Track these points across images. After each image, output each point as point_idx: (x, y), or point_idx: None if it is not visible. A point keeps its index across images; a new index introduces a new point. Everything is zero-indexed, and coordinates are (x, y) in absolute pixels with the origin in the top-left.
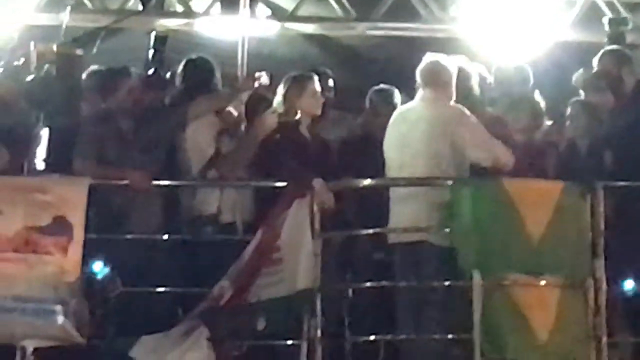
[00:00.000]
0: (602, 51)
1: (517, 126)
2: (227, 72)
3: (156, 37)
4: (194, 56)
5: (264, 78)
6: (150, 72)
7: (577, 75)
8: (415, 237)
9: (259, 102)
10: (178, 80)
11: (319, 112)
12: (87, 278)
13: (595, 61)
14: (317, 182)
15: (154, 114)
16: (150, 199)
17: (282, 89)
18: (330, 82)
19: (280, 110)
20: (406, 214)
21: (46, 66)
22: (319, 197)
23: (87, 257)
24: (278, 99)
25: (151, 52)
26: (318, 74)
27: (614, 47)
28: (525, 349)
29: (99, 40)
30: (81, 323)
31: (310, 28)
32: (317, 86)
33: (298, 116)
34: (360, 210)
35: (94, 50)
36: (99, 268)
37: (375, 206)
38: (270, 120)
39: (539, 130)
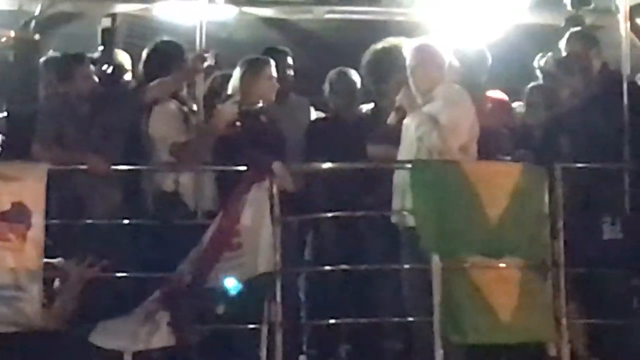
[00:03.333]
0: (569, 33)
1: None
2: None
3: (103, 31)
4: (158, 40)
5: (209, 58)
6: (104, 68)
7: (546, 58)
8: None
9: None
10: (141, 65)
11: (272, 97)
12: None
13: (562, 44)
14: (277, 166)
15: (111, 99)
16: (109, 183)
17: (238, 73)
18: (290, 61)
19: (236, 94)
20: None
21: (3, 51)
22: (279, 180)
23: (46, 243)
24: (234, 83)
25: (100, 47)
26: (277, 53)
27: (580, 29)
28: (488, 330)
29: (57, 25)
30: (43, 309)
31: (268, 12)
32: (273, 71)
33: (259, 105)
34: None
35: (52, 35)
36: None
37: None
38: (229, 111)
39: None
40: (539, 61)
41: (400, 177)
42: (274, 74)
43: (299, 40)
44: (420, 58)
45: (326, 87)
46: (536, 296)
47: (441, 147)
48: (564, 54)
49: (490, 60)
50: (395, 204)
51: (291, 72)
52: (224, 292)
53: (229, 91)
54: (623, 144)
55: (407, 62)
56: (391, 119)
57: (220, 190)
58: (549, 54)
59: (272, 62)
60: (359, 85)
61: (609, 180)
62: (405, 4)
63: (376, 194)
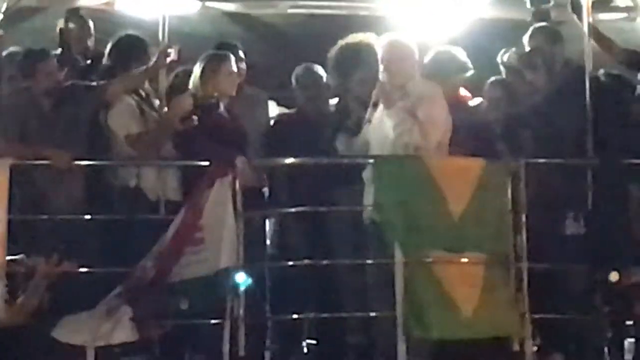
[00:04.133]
0: (533, 28)
1: None
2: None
3: (61, 31)
4: (121, 33)
5: (172, 54)
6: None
7: (510, 53)
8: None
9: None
10: (104, 59)
11: (233, 92)
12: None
13: (526, 38)
14: (240, 161)
15: (74, 94)
16: (72, 178)
17: (198, 68)
18: (241, 54)
19: (197, 89)
20: None
21: None
22: (242, 175)
23: (10, 238)
24: (194, 78)
25: (59, 50)
26: (228, 47)
27: (544, 24)
28: (450, 325)
29: (21, 20)
30: (6, 305)
31: (231, 6)
32: (233, 66)
33: (215, 97)
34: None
35: (15, 29)
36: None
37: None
38: (185, 103)
39: None
40: (502, 56)
41: (370, 173)
42: (234, 68)
43: (262, 34)
44: (393, 53)
45: (293, 82)
46: (499, 291)
47: (421, 143)
48: (527, 48)
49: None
50: (367, 199)
51: (243, 66)
52: (193, 286)
53: (190, 86)
54: (586, 139)
55: (380, 57)
56: (369, 114)
57: (184, 185)
58: (513, 49)
59: (232, 57)
60: (325, 80)
61: (572, 176)
62: None
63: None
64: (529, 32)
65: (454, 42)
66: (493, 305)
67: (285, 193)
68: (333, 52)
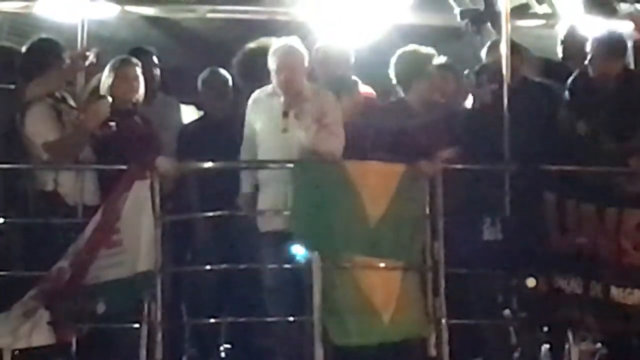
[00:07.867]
0: (491, 42)
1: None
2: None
3: None
4: (35, 38)
5: (91, 57)
6: None
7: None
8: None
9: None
10: (19, 63)
11: (138, 94)
12: None
13: (484, 52)
14: (161, 160)
15: None
16: None
17: (106, 72)
18: (155, 60)
19: (108, 94)
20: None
21: None
22: (161, 170)
23: None
24: (102, 84)
25: None
26: (142, 53)
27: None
28: (370, 330)
29: None
30: None
31: (150, 10)
32: (134, 71)
33: (132, 103)
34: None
35: None
36: None
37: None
38: (103, 108)
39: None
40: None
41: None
42: (139, 72)
43: (181, 38)
44: (285, 60)
45: (199, 86)
46: (417, 297)
47: (332, 148)
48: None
49: (353, 58)
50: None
51: (157, 72)
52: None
53: (101, 91)
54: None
55: (272, 64)
56: (282, 124)
57: (102, 189)
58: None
59: (136, 61)
60: (230, 83)
61: (490, 181)
62: (287, 3)
63: None
64: (488, 45)
65: (373, 48)
66: (410, 312)
67: (198, 197)
68: (238, 56)
